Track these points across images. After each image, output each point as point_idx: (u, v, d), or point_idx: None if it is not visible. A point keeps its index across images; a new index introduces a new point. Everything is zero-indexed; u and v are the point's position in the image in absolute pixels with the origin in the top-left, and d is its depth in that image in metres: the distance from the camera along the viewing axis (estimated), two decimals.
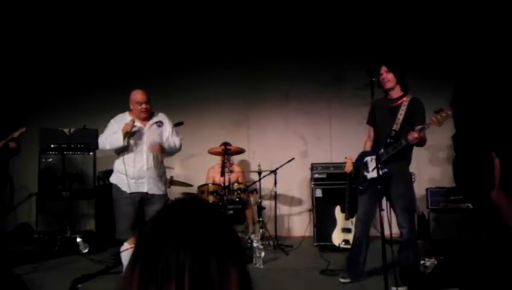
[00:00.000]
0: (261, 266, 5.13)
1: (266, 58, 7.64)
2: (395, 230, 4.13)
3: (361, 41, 7.38)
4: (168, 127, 4.78)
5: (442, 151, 7.33)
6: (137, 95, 4.64)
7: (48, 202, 6.58)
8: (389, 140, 4.12)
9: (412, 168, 6.74)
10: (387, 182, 4.11)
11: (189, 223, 0.91)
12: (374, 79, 3.92)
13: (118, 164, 4.70)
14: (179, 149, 4.90)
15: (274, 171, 6.49)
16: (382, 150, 4.12)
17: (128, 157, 4.63)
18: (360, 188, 4.41)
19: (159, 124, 4.72)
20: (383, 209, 3.82)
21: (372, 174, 4.22)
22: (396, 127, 4.15)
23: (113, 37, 7.68)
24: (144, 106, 4.61)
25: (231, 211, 5.88)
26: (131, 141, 4.60)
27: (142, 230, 0.94)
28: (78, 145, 6.62)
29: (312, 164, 6.68)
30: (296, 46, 7.55)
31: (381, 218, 3.84)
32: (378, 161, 3.82)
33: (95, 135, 6.71)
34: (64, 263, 5.47)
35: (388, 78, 4.22)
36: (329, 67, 7.49)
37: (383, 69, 4.24)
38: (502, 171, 0.92)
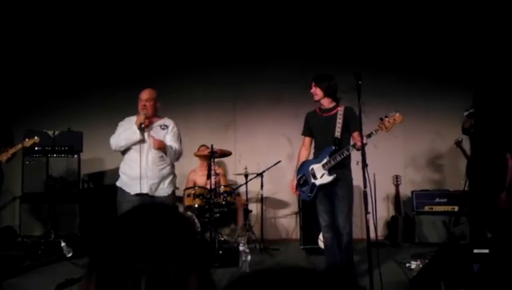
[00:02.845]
0: (247, 270, 5.10)
1: (255, 60, 7.64)
2: (380, 233, 4.15)
3: (349, 44, 7.41)
4: (170, 131, 4.73)
5: (424, 155, 7.41)
6: (142, 93, 4.69)
7: (32, 205, 6.49)
8: (334, 147, 4.39)
9: (397, 171, 6.86)
10: (333, 186, 4.43)
11: (146, 230, 0.88)
12: (360, 82, 3.98)
13: (122, 165, 4.72)
14: (179, 154, 4.76)
15: (261, 174, 6.48)
16: (328, 158, 4.39)
17: (130, 157, 4.63)
18: (309, 196, 4.57)
19: (163, 126, 4.70)
20: (368, 213, 3.84)
21: (321, 180, 4.46)
22: (337, 134, 4.43)
23: (99, 40, 7.62)
24: (143, 102, 4.61)
25: (217, 215, 5.84)
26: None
27: (96, 240, 0.91)
28: (63, 148, 6.56)
29: None
30: (285, 49, 7.55)
31: (366, 221, 3.85)
32: (325, 167, 4.35)
33: (80, 137, 6.68)
34: (47, 267, 5.39)
35: (316, 92, 4.56)
36: (318, 70, 7.47)
37: (312, 84, 4.58)
38: None
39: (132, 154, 4.60)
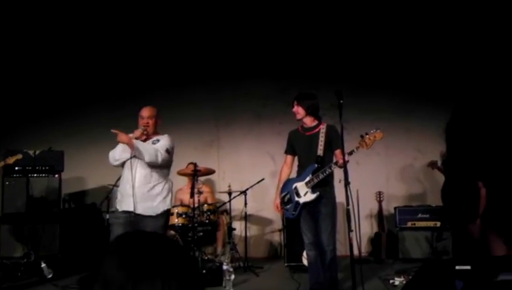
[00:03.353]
0: (231, 289, 5.06)
1: (237, 78, 7.67)
2: (364, 249, 4.15)
3: (330, 61, 7.49)
4: (160, 142, 4.62)
5: (406, 172, 7.47)
6: (143, 110, 4.67)
7: (12, 226, 6.38)
8: (316, 165, 4.44)
9: (380, 187, 6.90)
10: (317, 204, 4.46)
11: (148, 257, 0.94)
12: (341, 101, 4.04)
13: (120, 182, 4.67)
14: (155, 155, 4.46)
15: (244, 192, 6.47)
16: (310, 176, 4.44)
17: (123, 175, 4.60)
18: (293, 214, 4.61)
19: (155, 141, 4.64)
20: (351, 231, 3.85)
21: (304, 198, 4.51)
22: (320, 152, 4.48)
23: (84, 59, 7.59)
24: (146, 120, 4.60)
25: (201, 233, 5.79)
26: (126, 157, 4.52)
27: (100, 267, 0.96)
28: (44, 168, 6.48)
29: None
30: (267, 66, 7.60)
31: (350, 239, 3.87)
32: (309, 185, 4.41)
33: (61, 156, 6.61)
34: (27, 289, 5.29)
35: (298, 111, 4.63)
36: (299, 87, 7.54)
37: (294, 103, 4.65)
38: (488, 202, 0.93)
39: (125, 172, 4.57)
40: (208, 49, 7.63)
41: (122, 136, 4.39)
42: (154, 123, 4.66)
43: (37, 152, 6.33)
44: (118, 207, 4.57)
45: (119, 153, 4.53)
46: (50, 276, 5.67)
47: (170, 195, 4.74)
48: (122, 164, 4.57)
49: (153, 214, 4.50)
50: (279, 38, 7.58)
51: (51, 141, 6.72)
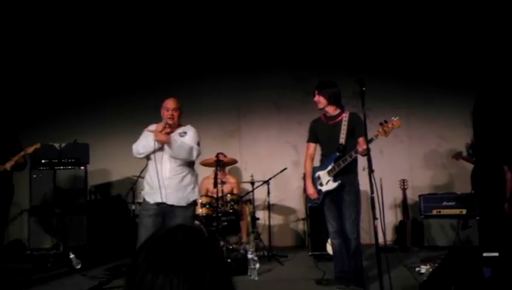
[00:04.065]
0: (256, 278, 5.10)
1: (256, 68, 7.66)
2: (389, 237, 4.13)
3: (350, 49, 7.42)
4: (189, 136, 4.61)
5: (430, 159, 7.39)
6: (168, 102, 4.62)
7: (40, 218, 6.51)
8: (338, 154, 4.42)
9: (404, 175, 6.84)
10: (340, 192, 4.45)
11: (179, 252, 0.96)
12: (364, 88, 3.99)
13: (146, 175, 4.69)
14: (189, 149, 4.48)
15: (267, 182, 6.48)
16: (333, 164, 4.42)
17: (150, 167, 4.58)
18: (316, 203, 4.62)
19: (182, 134, 4.61)
20: (376, 219, 3.83)
21: (327, 186, 4.50)
22: (342, 141, 4.45)
23: (105, 51, 7.68)
24: (170, 112, 4.54)
25: (225, 223, 5.83)
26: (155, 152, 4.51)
27: (131, 261, 0.99)
28: (69, 160, 6.59)
29: (304, 173, 6.66)
30: (286, 56, 7.57)
31: (374, 227, 3.85)
32: (331, 174, 4.41)
33: (86, 149, 6.71)
34: (57, 280, 5.40)
35: (319, 100, 4.59)
36: (320, 76, 7.50)
37: (315, 92, 4.60)
38: None
39: (152, 164, 4.54)
40: (228, 39, 7.63)
41: (159, 136, 4.36)
42: (178, 115, 4.62)
43: (63, 145, 6.42)
44: (147, 199, 4.55)
45: (142, 147, 4.52)
46: (78, 267, 5.79)
47: (197, 185, 4.78)
48: (147, 156, 4.59)
49: (185, 204, 4.52)
50: (297, 28, 7.53)
51: (76, 134, 6.81)
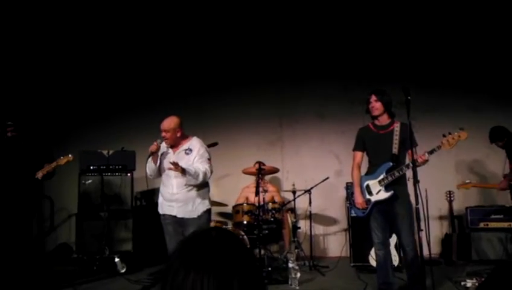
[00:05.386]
0: (297, 287, 5.08)
1: (299, 78, 7.70)
2: (434, 250, 4.06)
3: (393, 59, 7.35)
4: (194, 153, 4.67)
5: (477, 171, 7.19)
6: (162, 123, 4.71)
7: (87, 222, 6.71)
8: (392, 164, 4.35)
9: (450, 187, 6.67)
10: (391, 203, 4.36)
11: (211, 252, 0.99)
12: (409, 97, 3.95)
13: (160, 186, 4.88)
14: (203, 174, 4.56)
15: (308, 191, 6.45)
16: (384, 174, 4.36)
17: (163, 181, 4.81)
18: (363, 212, 4.53)
19: (187, 151, 4.69)
20: (421, 230, 3.77)
21: (377, 196, 4.43)
22: (395, 151, 4.37)
23: (150, 60, 7.88)
24: (163, 133, 4.66)
25: (266, 231, 5.86)
26: (163, 166, 4.72)
27: (168, 261, 1.03)
28: (117, 167, 6.77)
29: (347, 183, 6.59)
30: (331, 66, 7.58)
31: (420, 238, 3.78)
32: (382, 183, 4.35)
33: (133, 156, 6.88)
34: (102, 283, 5.56)
35: (376, 106, 4.48)
36: (363, 86, 7.46)
37: (372, 97, 4.49)
38: None
39: (164, 178, 4.77)
40: (273, 49, 7.70)
41: (177, 169, 4.44)
42: (172, 135, 4.65)
43: (111, 152, 6.65)
44: (162, 211, 4.76)
45: (148, 169, 4.79)
46: (123, 271, 5.94)
47: (208, 197, 4.85)
48: (159, 174, 4.81)
49: (195, 216, 4.65)
50: (343, 38, 7.52)
51: (123, 141, 7.00)
